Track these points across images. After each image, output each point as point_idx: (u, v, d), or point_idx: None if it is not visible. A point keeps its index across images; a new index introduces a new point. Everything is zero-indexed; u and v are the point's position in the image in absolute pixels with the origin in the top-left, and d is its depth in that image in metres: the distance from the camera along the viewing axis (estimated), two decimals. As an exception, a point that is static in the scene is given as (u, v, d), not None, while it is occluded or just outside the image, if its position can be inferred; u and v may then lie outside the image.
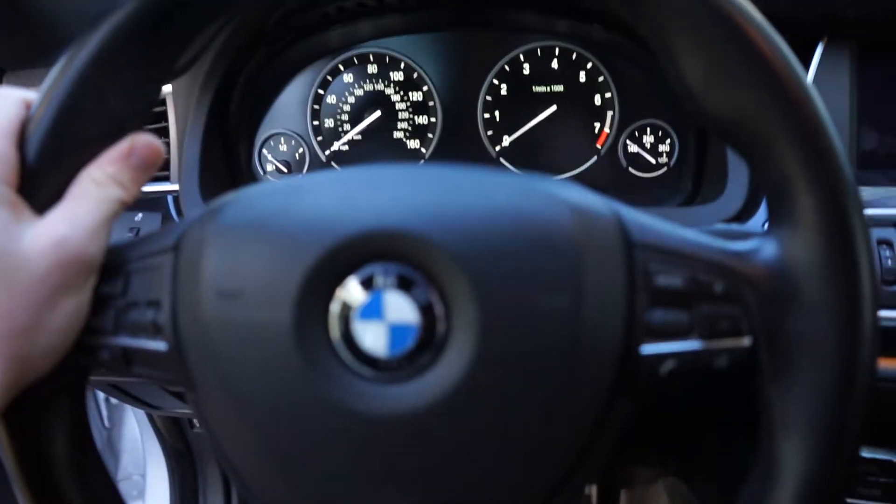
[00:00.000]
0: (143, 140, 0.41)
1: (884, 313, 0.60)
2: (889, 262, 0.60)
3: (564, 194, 0.37)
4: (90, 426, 0.42)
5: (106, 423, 1.49)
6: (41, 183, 0.39)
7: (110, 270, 0.39)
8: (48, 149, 0.39)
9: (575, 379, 0.35)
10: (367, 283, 0.35)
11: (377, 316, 0.35)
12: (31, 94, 0.40)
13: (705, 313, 0.37)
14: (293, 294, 0.35)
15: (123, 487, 1.49)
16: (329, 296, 0.36)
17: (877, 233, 0.62)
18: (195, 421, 1.19)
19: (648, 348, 0.37)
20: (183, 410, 1.11)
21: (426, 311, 0.35)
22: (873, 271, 0.36)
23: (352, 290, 0.35)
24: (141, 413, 1.33)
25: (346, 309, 0.35)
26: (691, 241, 0.38)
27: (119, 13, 0.39)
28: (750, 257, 0.37)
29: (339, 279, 0.36)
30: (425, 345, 0.35)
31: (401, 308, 0.35)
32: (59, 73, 0.39)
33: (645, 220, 0.38)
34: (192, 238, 0.38)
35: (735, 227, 0.44)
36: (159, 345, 0.38)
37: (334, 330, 0.36)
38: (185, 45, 0.42)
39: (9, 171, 0.37)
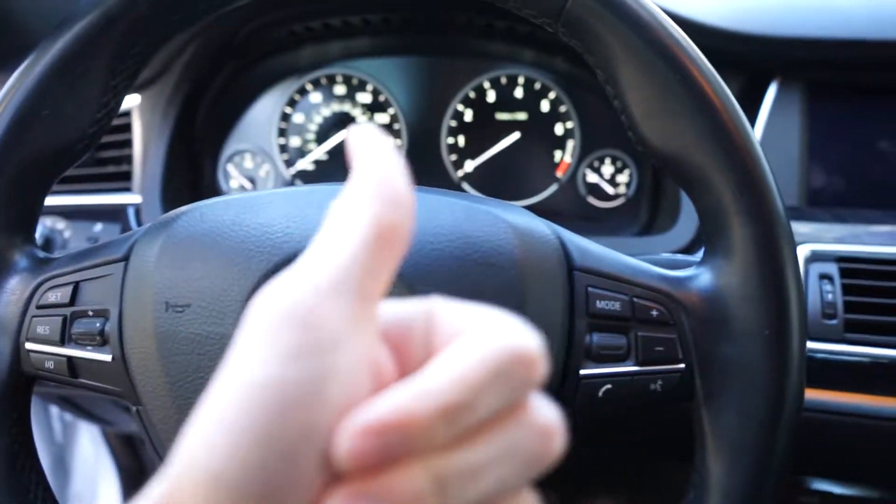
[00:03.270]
0: None
1: (824, 346, 0.62)
2: (829, 296, 0.62)
3: (508, 217, 0.38)
4: (33, 441, 0.41)
5: (58, 439, 1.46)
6: None
7: (59, 279, 0.39)
8: (3, 158, 0.38)
9: None
10: None
11: None
12: None
13: (642, 337, 0.38)
14: (239, 308, 0.36)
15: (73, 506, 1.45)
16: None
17: (819, 268, 0.64)
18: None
19: (586, 371, 0.38)
20: (135, 427, 1.10)
21: None
22: (802, 302, 0.37)
23: None
24: (95, 430, 1.30)
25: None
26: (630, 266, 0.39)
27: (80, 22, 0.39)
28: (686, 284, 0.39)
29: None
30: None
31: None
32: (16, 81, 0.39)
33: (586, 245, 0.40)
34: (143, 249, 0.38)
35: (679, 256, 0.45)
36: (105, 356, 0.38)
37: None
38: (146, 58, 0.43)
39: None
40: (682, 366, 0.38)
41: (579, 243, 0.39)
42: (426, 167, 0.84)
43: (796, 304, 0.37)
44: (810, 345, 0.62)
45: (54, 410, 1.45)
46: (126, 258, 0.39)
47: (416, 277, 0.36)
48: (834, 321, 0.61)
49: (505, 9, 0.40)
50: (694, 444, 0.40)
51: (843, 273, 0.63)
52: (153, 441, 0.38)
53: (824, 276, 0.63)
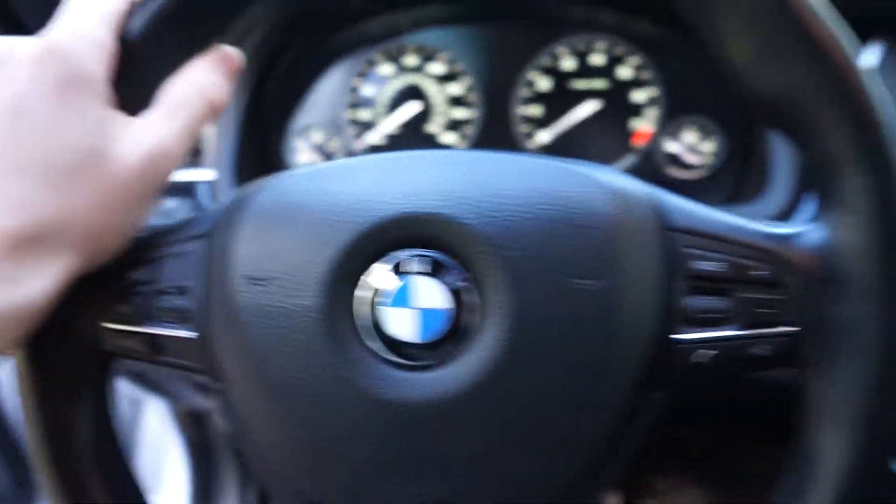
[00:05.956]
0: (229, 48, 0.41)
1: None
2: None
3: (600, 178, 0.37)
4: (114, 417, 0.42)
5: (125, 414, 1.49)
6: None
7: (141, 257, 0.39)
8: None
9: (608, 366, 0.35)
10: (398, 269, 0.35)
11: (407, 302, 0.34)
12: None
13: (745, 300, 0.36)
14: (322, 279, 0.35)
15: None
16: (359, 281, 0.35)
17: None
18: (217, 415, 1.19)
19: (685, 336, 0.36)
20: (204, 403, 1.11)
21: (458, 296, 0.34)
22: None
23: (382, 276, 0.35)
24: (162, 406, 1.33)
25: (375, 295, 0.35)
26: (731, 224, 0.37)
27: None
28: (795, 241, 0.36)
29: (369, 264, 0.35)
30: (456, 331, 0.35)
31: (432, 293, 0.34)
32: None
33: (683, 204, 0.38)
34: (225, 224, 0.38)
35: (777, 224, 0.43)
36: (189, 332, 0.38)
37: (364, 316, 0.35)
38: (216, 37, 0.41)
39: (106, 62, 0.36)
40: (791, 329, 0.36)
41: (675, 203, 0.37)
42: (498, 138, 0.82)
43: None
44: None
45: (121, 386, 1.48)
46: (209, 234, 0.38)
47: (505, 240, 0.34)
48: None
49: None
50: (782, 421, 0.38)
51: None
52: (234, 418, 0.38)
53: None
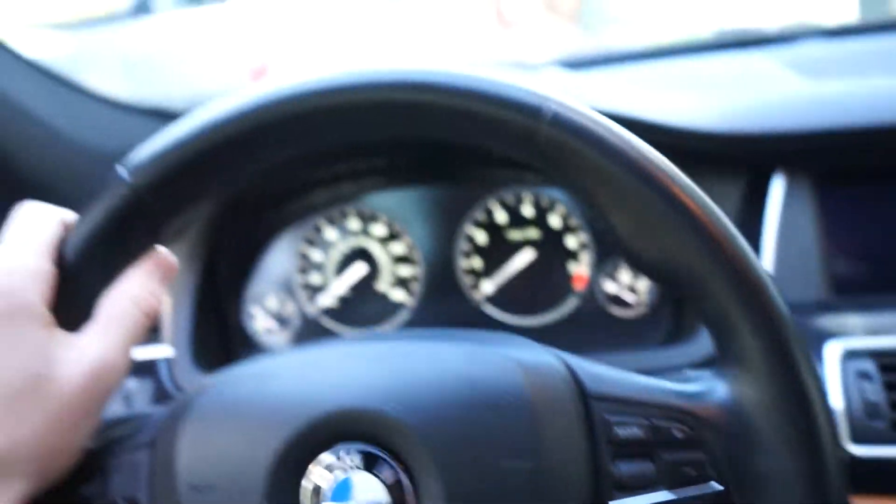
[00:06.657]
0: (162, 254, 0.43)
1: (872, 449, 0.59)
2: (871, 395, 0.60)
3: (513, 354, 0.38)
4: None
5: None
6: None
7: (90, 470, 0.40)
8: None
9: None
10: (334, 466, 0.36)
11: (346, 497, 0.35)
12: (68, 213, 0.41)
13: (669, 461, 0.37)
14: (262, 484, 0.36)
15: None
16: (298, 482, 0.36)
17: (856, 366, 0.62)
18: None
19: (619, 502, 0.36)
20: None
21: (394, 488, 0.35)
22: (826, 405, 0.36)
23: (320, 474, 0.36)
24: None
25: (315, 494, 0.36)
26: (643, 386, 0.39)
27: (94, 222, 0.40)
28: (704, 398, 0.38)
29: (305, 464, 0.36)
30: None
31: (369, 488, 0.35)
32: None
33: (597, 370, 0.39)
34: (166, 433, 0.39)
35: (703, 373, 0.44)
36: None
37: None
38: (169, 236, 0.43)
39: (45, 288, 0.38)
40: (718, 485, 0.37)
41: (589, 369, 0.39)
42: (445, 292, 0.85)
43: (821, 408, 0.36)
44: (857, 449, 0.59)
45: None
46: (152, 444, 0.39)
47: (430, 429, 0.36)
48: (880, 422, 0.59)
49: (473, 143, 0.39)
50: None
51: (883, 368, 0.61)
52: None
53: (863, 375, 0.61)
